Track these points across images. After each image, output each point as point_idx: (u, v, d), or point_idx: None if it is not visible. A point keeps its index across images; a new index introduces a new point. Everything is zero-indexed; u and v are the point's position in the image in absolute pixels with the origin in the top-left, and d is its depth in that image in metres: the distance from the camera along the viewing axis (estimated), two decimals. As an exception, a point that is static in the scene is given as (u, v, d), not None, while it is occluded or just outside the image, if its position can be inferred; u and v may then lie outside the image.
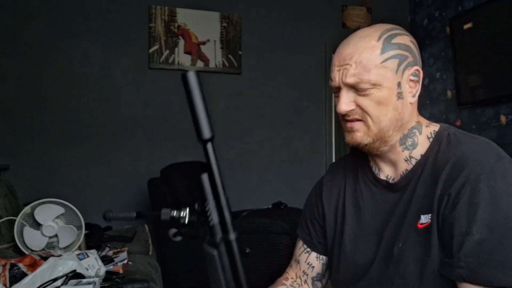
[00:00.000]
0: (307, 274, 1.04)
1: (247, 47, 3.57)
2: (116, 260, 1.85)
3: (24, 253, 1.75)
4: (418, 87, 0.87)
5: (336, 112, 0.89)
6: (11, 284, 1.39)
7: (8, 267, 1.44)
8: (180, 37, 3.41)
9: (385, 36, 0.83)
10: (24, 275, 1.42)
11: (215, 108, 3.50)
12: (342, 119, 0.88)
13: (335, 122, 3.82)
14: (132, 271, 1.86)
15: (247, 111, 3.54)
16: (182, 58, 3.40)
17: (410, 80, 0.85)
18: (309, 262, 1.05)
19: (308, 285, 1.04)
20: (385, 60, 0.82)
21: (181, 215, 0.59)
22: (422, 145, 0.88)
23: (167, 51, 3.37)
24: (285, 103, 3.60)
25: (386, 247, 0.87)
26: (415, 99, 0.87)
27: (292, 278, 1.06)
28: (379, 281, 0.87)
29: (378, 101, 0.82)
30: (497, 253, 0.72)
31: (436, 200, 0.80)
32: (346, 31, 3.72)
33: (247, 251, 2.39)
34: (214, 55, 3.48)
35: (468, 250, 0.73)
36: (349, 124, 0.86)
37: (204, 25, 3.46)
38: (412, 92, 0.86)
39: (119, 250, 2.02)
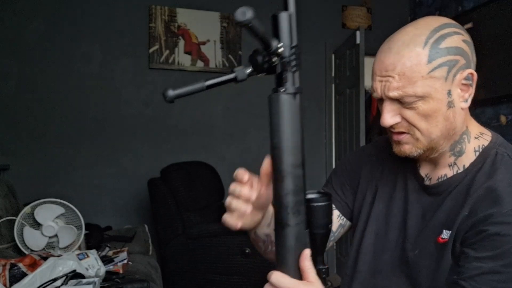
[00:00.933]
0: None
1: (247, 47, 3.57)
2: (116, 260, 1.85)
3: (24, 253, 1.75)
4: (472, 91, 0.80)
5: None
6: (11, 284, 1.39)
7: (8, 267, 1.44)
8: (180, 37, 3.41)
9: (432, 40, 0.75)
10: (24, 275, 1.42)
11: (215, 108, 3.50)
12: (388, 130, 0.82)
13: (335, 122, 3.82)
14: (132, 271, 1.86)
15: (247, 111, 3.54)
16: (182, 58, 3.40)
17: (462, 84, 0.79)
18: (343, 227, 1.01)
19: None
20: (433, 69, 0.74)
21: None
22: (467, 156, 0.83)
23: (167, 51, 3.37)
24: (285, 103, 3.60)
25: (403, 248, 0.85)
26: (467, 104, 0.81)
27: None
28: (386, 284, 0.86)
29: (425, 114, 0.76)
30: None
31: (459, 220, 0.77)
32: (346, 31, 3.72)
33: (247, 251, 2.39)
34: (214, 55, 3.48)
35: (476, 274, 0.71)
36: (395, 137, 0.81)
37: (204, 25, 3.46)
38: (464, 97, 0.80)
39: (119, 250, 2.02)
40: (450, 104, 0.78)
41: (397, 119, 0.78)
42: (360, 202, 0.97)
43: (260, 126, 3.56)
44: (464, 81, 0.79)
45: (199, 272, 2.49)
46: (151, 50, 3.33)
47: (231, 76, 0.67)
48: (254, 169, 0.78)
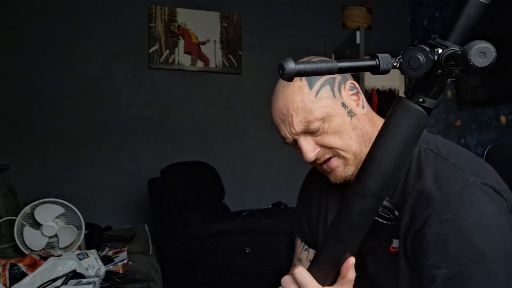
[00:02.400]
0: None
1: (247, 47, 3.57)
2: (116, 260, 1.85)
3: (24, 253, 1.75)
4: (362, 97, 0.86)
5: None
6: (11, 284, 1.39)
7: (8, 267, 1.44)
8: (180, 37, 3.41)
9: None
10: (24, 275, 1.42)
11: (215, 108, 3.50)
12: (316, 165, 0.86)
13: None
14: (132, 271, 1.86)
15: (247, 111, 3.54)
16: (182, 58, 3.40)
17: (351, 95, 0.84)
18: (310, 259, 1.03)
19: None
20: (318, 92, 0.81)
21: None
22: None
23: (167, 51, 3.37)
24: (285, 103, 3.59)
25: (363, 265, 0.84)
26: (366, 109, 0.86)
27: None
28: None
29: (336, 131, 0.81)
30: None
31: (403, 227, 0.76)
32: (346, 31, 3.72)
33: (247, 251, 2.39)
34: (214, 55, 3.48)
35: (439, 284, 0.69)
36: (325, 166, 0.84)
37: (204, 25, 3.46)
38: (359, 104, 0.85)
39: (119, 250, 2.02)
40: (351, 114, 0.83)
41: (317, 149, 0.82)
42: (315, 226, 1.00)
43: (260, 126, 3.56)
44: (350, 92, 0.85)
45: (199, 272, 2.49)
46: (151, 50, 3.33)
47: (372, 63, 0.50)
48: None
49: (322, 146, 0.82)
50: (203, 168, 3.11)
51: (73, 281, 1.37)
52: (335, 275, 0.64)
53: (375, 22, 3.92)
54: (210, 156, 3.31)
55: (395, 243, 0.78)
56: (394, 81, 4.63)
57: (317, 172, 1.00)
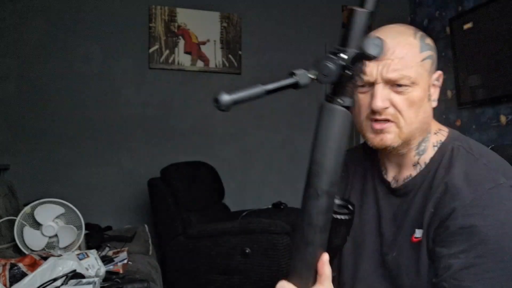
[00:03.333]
0: None
1: (247, 47, 3.57)
2: (116, 260, 1.85)
3: (24, 253, 1.75)
4: (438, 92, 0.86)
5: (354, 110, 0.82)
6: (11, 284, 1.39)
7: (8, 267, 1.44)
8: (180, 37, 3.41)
9: (419, 35, 0.82)
10: (24, 275, 1.43)
11: (215, 108, 3.49)
12: (369, 119, 0.82)
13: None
14: (132, 271, 1.86)
15: (247, 111, 3.54)
16: (182, 58, 3.40)
17: (433, 84, 0.84)
18: None
19: None
20: (424, 59, 0.80)
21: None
22: (428, 152, 0.86)
23: (167, 51, 3.37)
24: (285, 104, 3.59)
25: (381, 252, 0.86)
26: (435, 104, 0.85)
27: None
28: (370, 285, 0.87)
29: (413, 101, 0.80)
30: (483, 280, 0.70)
31: (427, 218, 0.78)
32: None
33: (247, 251, 2.39)
34: (214, 55, 3.48)
35: (454, 272, 0.72)
36: (378, 125, 0.81)
37: (204, 25, 3.46)
38: (434, 96, 0.85)
39: (119, 250, 2.02)
40: (429, 98, 0.83)
41: (387, 103, 0.80)
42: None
43: (260, 126, 3.56)
44: (435, 82, 0.85)
45: (199, 272, 2.49)
46: (151, 50, 3.33)
47: (292, 81, 0.59)
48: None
49: (393, 104, 0.80)
50: (203, 168, 3.12)
51: (73, 281, 1.37)
52: (314, 277, 0.65)
53: (375, 22, 3.91)
54: (210, 156, 3.31)
55: (418, 233, 0.80)
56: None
57: (348, 160, 0.99)
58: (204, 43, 3.46)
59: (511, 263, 0.70)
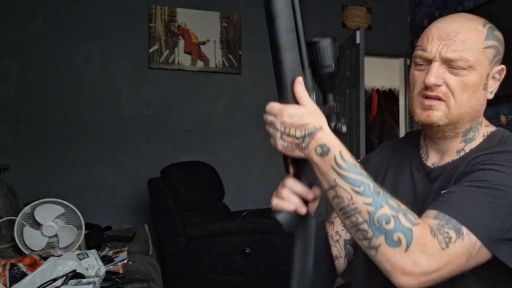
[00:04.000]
0: (340, 235, 1.00)
1: (247, 47, 3.57)
2: (116, 260, 1.85)
3: (24, 253, 1.75)
4: (497, 86, 0.86)
5: (408, 88, 0.85)
6: (11, 284, 1.39)
7: (8, 267, 1.44)
8: (180, 37, 3.41)
9: (488, 25, 0.83)
10: (24, 275, 1.43)
11: (215, 108, 3.50)
12: (421, 95, 0.84)
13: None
14: (132, 271, 1.86)
15: (247, 111, 3.54)
16: (182, 58, 3.40)
17: (493, 77, 0.85)
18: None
19: (339, 245, 0.99)
20: (487, 47, 0.81)
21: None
22: (477, 141, 0.86)
23: (167, 51, 3.37)
24: (285, 103, 3.59)
25: None
26: (491, 96, 0.86)
27: None
28: None
29: (467, 85, 0.80)
30: (469, 204, 0.71)
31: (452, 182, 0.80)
32: (346, 31, 3.72)
33: (247, 251, 2.39)
34: (214, 55, 3.48)
35: (458, 187, 0.74)
36: (428, 102, 0.82)
37: (204, 25, 3.46)
38: (491, 88, 0.86)
39: (119, 250, 2.02)
40: (485, 87, 0.84)
41: (440, 81, 0.81)
42: None
43: (260, 126, 3.55)
44: (496, 75, 0.85)
45: (199, 272, 2.49)
46: (151, 50, 3.33)
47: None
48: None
49: (446, 84, 0.81)
50: (203, 168, 3.11)
51: (73, 281, 1.37)
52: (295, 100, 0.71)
53: (375, 22, 3.92)
54: (210, 156, 3.31)
55: None
56: (394, 81, 4.63)
57: (380, 153, 1.01)
58: (204, 43, 3.46)
59: None
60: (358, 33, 3.24)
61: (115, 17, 3.27)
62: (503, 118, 3.00)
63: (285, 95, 0.71)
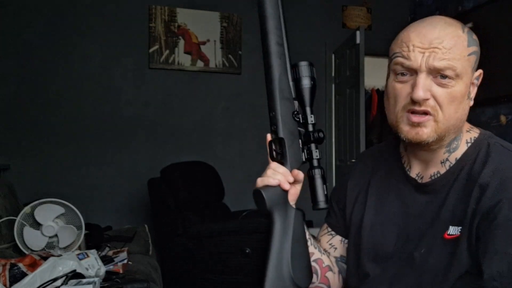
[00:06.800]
0: (328, 253, 0.99)
1: (247, 47, 3.57)
2: (116, 260, 1.85)
3: (24, 253, 1.75)
4: (475, 91, 0.83)
5: (388, 101, 0.82)
6: (11, 284, 1.39)
7: (8, 267, 1.44)
8: (180, 37, 3.41)
9: (466, 29, 0.80)
10: (24, 275, 1.43)
11: (215, 108, 3.50)
12: (405, 111, 0.79)
13: (335, 122, 3.82)
14: (132, 271, 1.86)
15: (247, 111, 3.54)
16: (182, 58, 3.40)
17: (472, 83, 0.82)
18: (331, 243, 1.00)
19: (331, 260, 0.99)
20: (470, 54, 0.78)
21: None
22: (460, 149, 0.84)
23: (167, 51, 3.37)
24: (285, 103, 3.60)
25: (406, 249, 0.83)
26: (472, 103, 0.83)
27: None
28: (391, 281, 0.84)
29: (455, 97, 0.77)
30: None
31: (469, 214, 0.76)
32: (346, 31, 3.72)
33: (247, 251, 2.39)
34: (214, 55, 3.48)
35: (504, 269, 0.69)
36: (416, 118, 0.77)
37: (204, 25, 3.46)
38: (472, 94, 0.83)
39: (119, 250, 2.02)
40: (468, 95, 0.81)
41: (428, 95, 0.76)
42: (350, 213, 0.96)
43: (260, 126, 3.56)
44: (474, 80, 0.82)
45: (199, 272, 2.49)
46: (151, 50, 3.33)
47: None
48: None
49: (434, 97, 0.77)
50: (203, 168, 3.11)
51: (73, 281, 1.37)
52: None
53: (375, 22, 3.92)
54: (210, 156, 3.31)
55: (451, 230, 0.78)
56: (394, 81, 4.62)
57: (362, 164, 1.00)
58: (204, 43, 3.46)
59: None
60: (358, 33, 3.24)
61: (115, 17, 3.27)
62: (503, 118, 3.00)
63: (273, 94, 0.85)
